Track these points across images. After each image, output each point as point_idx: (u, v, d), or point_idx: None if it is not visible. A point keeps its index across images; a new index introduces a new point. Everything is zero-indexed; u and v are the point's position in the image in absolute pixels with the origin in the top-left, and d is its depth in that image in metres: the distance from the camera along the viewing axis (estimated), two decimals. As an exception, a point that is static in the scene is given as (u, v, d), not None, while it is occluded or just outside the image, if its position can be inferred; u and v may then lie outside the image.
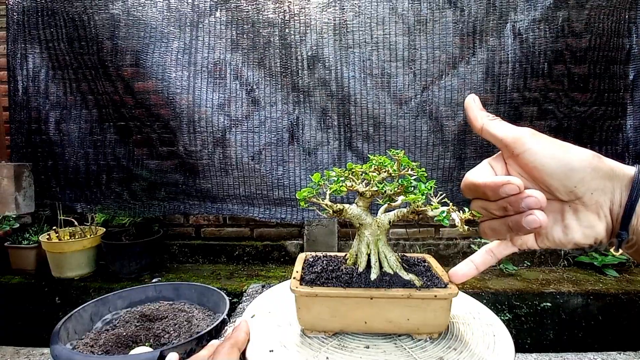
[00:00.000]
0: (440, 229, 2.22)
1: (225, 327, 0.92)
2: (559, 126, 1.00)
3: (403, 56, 0.97)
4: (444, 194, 0.49)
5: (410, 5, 0.95)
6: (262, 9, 0.98)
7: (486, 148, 1.00)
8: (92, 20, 0.98)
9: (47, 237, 1.95)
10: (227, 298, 1.04)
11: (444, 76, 0.97)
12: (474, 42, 0.95)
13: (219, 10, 0.99)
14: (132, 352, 0.88)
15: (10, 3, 1.00)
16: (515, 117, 0.98)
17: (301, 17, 0.97)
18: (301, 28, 0.98)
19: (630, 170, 0.36)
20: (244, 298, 1.07)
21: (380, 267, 0.54)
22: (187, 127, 1.00)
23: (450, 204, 0.47)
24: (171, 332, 0.96)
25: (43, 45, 1.01)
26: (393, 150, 0.54)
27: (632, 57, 0.98)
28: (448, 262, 2.17)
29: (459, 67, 0.96)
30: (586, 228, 0.38)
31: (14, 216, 2.05)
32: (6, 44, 1.02)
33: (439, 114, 0.98)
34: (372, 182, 0.54)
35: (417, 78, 0.97)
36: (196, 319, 1.01)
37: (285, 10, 0.98)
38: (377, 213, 0.57)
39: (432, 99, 0.98)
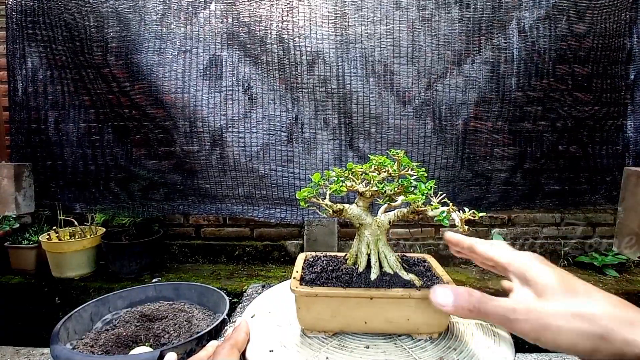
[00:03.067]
0: (440, 229, 2.22)
1: (225, 327, 0.91)
2: (562, 126, 0.99)
3: (407, 53, 0.95)
4: (444, 194, 0.49)
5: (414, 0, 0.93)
6: (259, 1, 0.96)
7: (490, 149, 0.99)
8: (88, 20, 0.97)
9: (47, 237, 1.95)
10: (227, 298, 1.04)
11: (448, 74, 0.95)
12: (479, 40, 0.94)
13: (214, 2, 0.97)
14: (132, 352, 0.88)
15: (10, 3, 1.00)
16: (518, 117, 0.97)
17: (300, 10, 0.95)
18: (300, 21, 0.96)
19: None
20: (244, 298, 1.07)
21: (380, 267, 0.54)
22: (184, 127, 1.00)
23: (450, 204, 0.47)
24: (171, 332, 0.96)
25: (41, 45, 1.01)
26: (393, 150, 0.54)
27: (633, 57, 0.98)
28: (448, 262, 2.17)
29: (464, 65, 0.95)
30: None
31: (14, 216, 2.05)
32: (6, 44, 1.02)
33: (443, 113, 0.97)
34: (372, 182, 0.54)
35: (421, 76, 0.96)
36: (196, 319, 1.01)
37: (283, 2, 0.96)
38: (377, 213, 0.57)
39: (436, 97, 0.96)
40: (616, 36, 0.96)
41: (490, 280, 1.89)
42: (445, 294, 0.39)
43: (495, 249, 0.42)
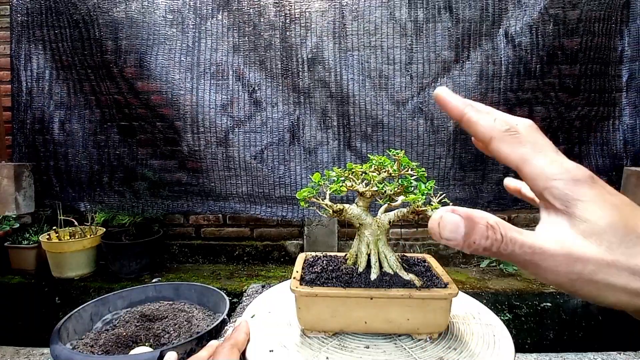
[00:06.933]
0: (440, 229, 2.21)
1: (225, 327, 0.91)
2: (556, 127, 1.00)
3: (400, 59, 0.99)
4: (444, 194, 0.49)
5: (407, 10, 0.97)
6: (263, 12, 0.99)
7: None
8: (96, 21, 0.98)
9: (47, 237, 1.95)
10: (227, 298, 1.04)
11: (439, 78, 0.99)
12: (469, 45, 0.97)
13: (220, 12, 1.00)
14: (132, 352, 0.88)
15: (14, 4, 1.00)
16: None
17: (301, 20, 0.99)
18: (302, 31, 0.99)
19: None
20: (244, 298, 1.07)
21: (380, 267, 0.54)
22: (190, 128, 1.01)
23: (450, 203, 0.47)
24: (171, 332, 0.96)
25: (47, 46, 1.01)
26: (393, 150, 0.54)
27: (625, 58, 0.99)
28: (448, 262, 2.17)
29: (454, 69, 0.98)
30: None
31: (14, 216, 2.05)
32: (10, 45, 1.02)
33: (435, 115, 1.00)
34: (372, 182, 0.54)
35: (414, 80, 0.99)
36: (196, 319, 1.01)
37: (286, 14, 0.99)
38: (377, 213, 0.57)
39: (429, 100, 0.99)
40: (609, 38, 0.97)
41: (490, 280, 1.89)
42: (453, 225, 0.25)
43: (534, 154, 0.27)
